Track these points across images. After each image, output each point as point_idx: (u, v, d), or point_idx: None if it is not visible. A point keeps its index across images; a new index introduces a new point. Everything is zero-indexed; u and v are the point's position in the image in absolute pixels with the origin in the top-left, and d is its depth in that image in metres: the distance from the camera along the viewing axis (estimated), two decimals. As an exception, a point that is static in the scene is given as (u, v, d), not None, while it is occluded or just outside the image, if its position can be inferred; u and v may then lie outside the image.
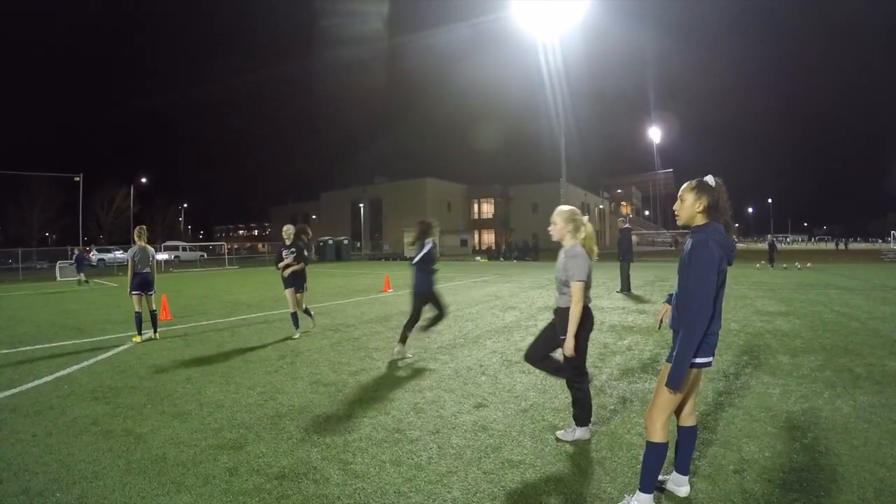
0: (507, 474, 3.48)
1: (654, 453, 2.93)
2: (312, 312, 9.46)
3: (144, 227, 8.97)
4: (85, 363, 7.03)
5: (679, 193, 3.05)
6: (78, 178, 41.61)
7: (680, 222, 3.05)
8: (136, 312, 8.62)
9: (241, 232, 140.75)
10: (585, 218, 4.14)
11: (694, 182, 3.00)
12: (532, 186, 70.34)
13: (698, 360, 2.85)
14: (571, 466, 3.61)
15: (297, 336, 8.60)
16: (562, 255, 4.04)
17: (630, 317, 10.32)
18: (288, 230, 8.91)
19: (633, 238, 17.41)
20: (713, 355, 2.93)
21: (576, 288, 3.82)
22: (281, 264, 8.75)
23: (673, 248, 61.74)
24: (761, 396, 5.05)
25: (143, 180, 65.84)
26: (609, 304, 12.15)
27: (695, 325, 2.79)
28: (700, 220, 2.95)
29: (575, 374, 4.02)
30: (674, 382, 2.80)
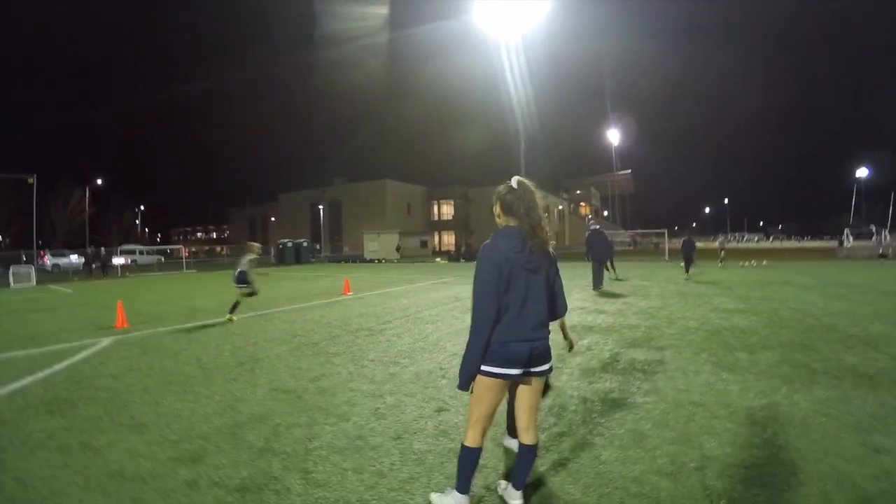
0: (470, 479, 3.44)
1: (464, 456, 2.90)
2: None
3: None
4: (39, 374, 6.79)
5: None
6: (31, 180, 40.24)
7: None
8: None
9: (199, 234, 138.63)
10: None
11: (498, 188, 2.99)
12: (492, 188, 69.21)
13: (488, 369, 2.77)
14: (534, 468, 3.59)
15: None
16: None
17: (590, 316, 10.38)
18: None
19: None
20: (515, 368, 2.78)
21: None
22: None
23: (631, 247, 62.56)
24: (720, 393, 5.12)
25: (99, 182, 64.36)
26: (569, 305, 12.20)
27: (474, 327, 2.77)
28: (505, 223, 2.93)
29: None
30: (459, 382, 2.83)
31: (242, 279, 11.45)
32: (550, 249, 2.95)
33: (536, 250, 2.82)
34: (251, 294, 11.60)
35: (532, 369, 2.84)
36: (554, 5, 24.64)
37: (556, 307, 3.02)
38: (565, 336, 3.64)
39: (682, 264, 20.51)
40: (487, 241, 2.87)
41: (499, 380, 2.78)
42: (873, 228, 46.26)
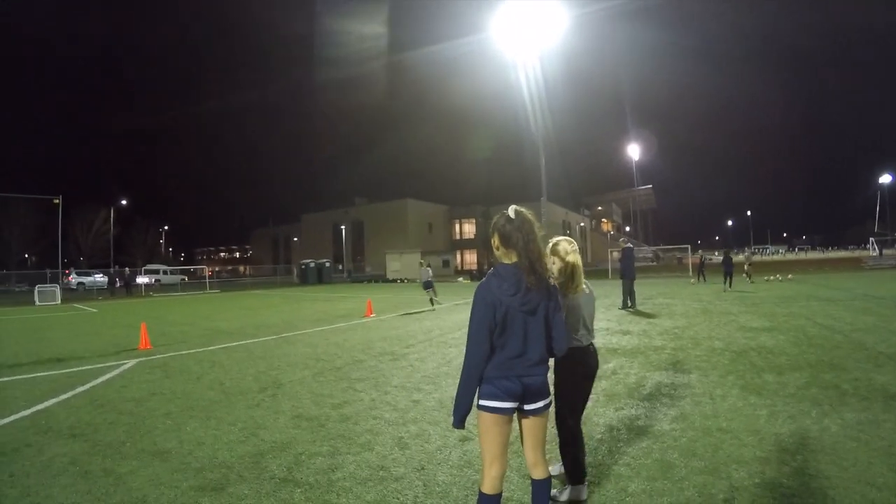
0: (495, 512, 3.39)
1: (481, 502, 2.79)
2: None
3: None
4: (63, 396, 6.88)
5: None
6: (57, 201, 41.03)
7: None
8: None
9: (222, 254, 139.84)
10: (571, 247, 3.72)
11: (495, 218, 2.92)
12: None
13: (484, 403, 2.73)
14: (560, 500, 3.53)
15: None
16: None
17: (614, 338, 10.26)
18: None
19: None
20: (509, 401, 2.72)
21: None
22: None
23: (654, 263, 62.06)
24: (749, 419, 5.02)
25: (123, 202, 65.32)
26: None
27: (465, 366, 2.73)
28: (505, 258, 2.85)
29: (559, 421, 3.70)
30: (454, 420, 2.77)
31: (429, 285, 19.03)
32: (550, 283, 2.88)
33: (534, 288, 2.75)
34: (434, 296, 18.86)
35: (527, 406, 2.80)
36: (572, 23, 24.70)
37: (554, 344, 2.92)
38: None
39: (725, 278, 23.06)
40: (484, 279, 2.83)
41: (496, 414, 2.73)
42: None
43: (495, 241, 2.88)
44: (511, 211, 2.86)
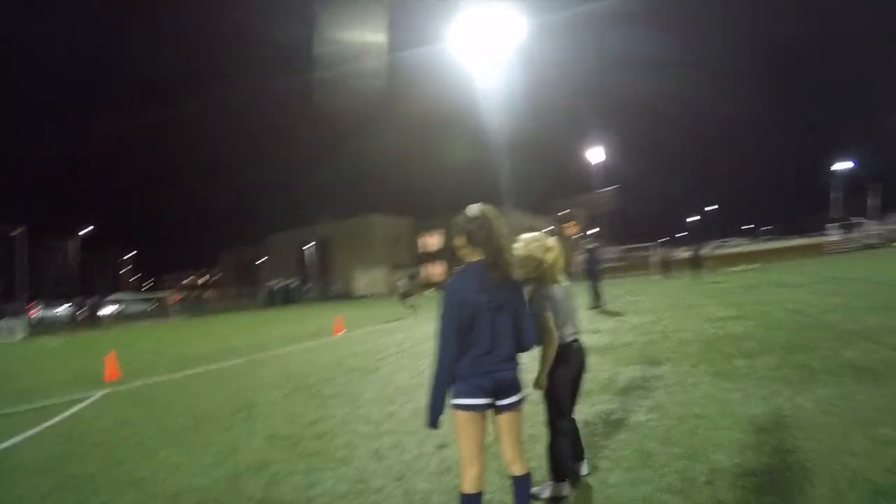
0: (477, 514, 3.35)
1: (463, 503, 2.77)
2: None
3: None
4: (30, 432, 6.67)
5: None
6: (17, 232, 39.60)
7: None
8: None
9: (188, 279, 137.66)
10: (549, 241, 3.69)
11: (457, 217, 2.92)
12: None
13: (456, 401, 2.74)
14: (539, 500, 3.51)
15: None
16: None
17: (584, 337, 10.09)
18: None
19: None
20: (480, 398, 2.72)
21: (543, 320, 3.41)
22: None
23: (622, 262, 62.74)
24: (723, 403, 5.05)
25: (88, 230, 63.64)
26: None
27: (436, 366, 2.74)
28: (471, 256, 2.86)
29: (549, 417, 3.62)
30: (427, 420, 2.79)
31: (406, 295, 23.66)
32: (515, 277, 2.87)
33: (500, 282, 2.75)
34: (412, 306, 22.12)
35: (500, 401, 2.78)
36: (531, 30, 24.95)
37: (523, 339, 2.89)
38: (539, 374, 3.46)
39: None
40: (450, 278, 2.82)
41: (470, 412, 2.72)
42: (863, 220, 46.77)
43: (460, 240, 2.88)
44: (473, 208, 2.88)
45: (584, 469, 3.76)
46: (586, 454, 3.86)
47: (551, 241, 3.66)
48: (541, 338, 3.29)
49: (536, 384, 3.46)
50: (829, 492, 3.10)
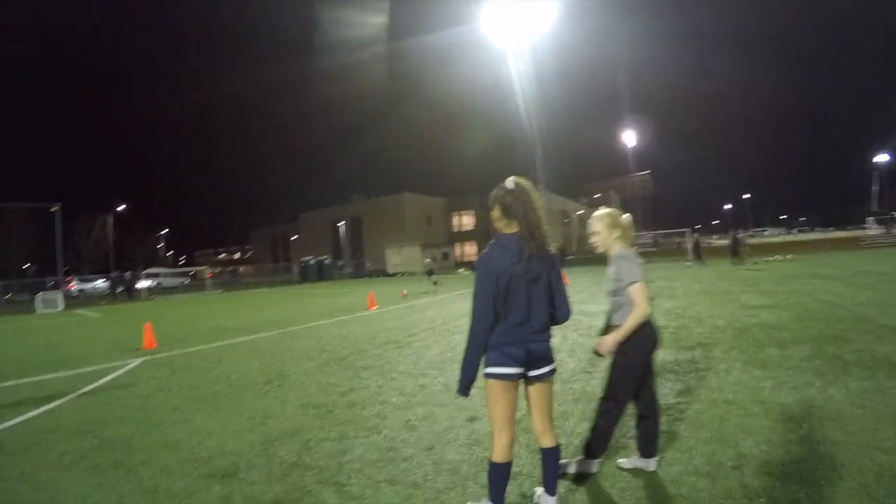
0: (505, 486, 3.41)
1: (493, 472, 2.83)
2: None
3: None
4: (70, 396, 6.90)
5: None
6: (55, 209, 40.76)
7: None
8: None
9: (222, 256, 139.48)
10: (625, 216, 3.72)
11: (494, 191, 2.93)
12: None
13: (489, 370, 2.77)
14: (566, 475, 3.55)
15: None
16: (611, 264, 3.61)
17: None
18: None
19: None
20: (513, 367, 2.74)
21: (635, 290, 3.40)
22: None
23: (655, 248, 62.04)
24: (754, 390, 5.04)
25: (122, 207, 64.89)
26: (597, 309, 12.05)
27: (470, 336, 2.77)
28: (506, 229, 2.88)
29: (611, 394, 3.53)
30: (459, 387, 2.81)
31: (431, 273, 25.73)
32: (551, 250, 2.91)
33: (535, 255, 2.79)
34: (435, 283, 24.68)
35: (532, 372, 2.83)
36: (562, 11, 24.64)
37: (557, 313, 2.94)
38: (607, 339, 3.39)
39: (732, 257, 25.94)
40: (486, 249, 2.85)
41: (503, 381, 2.77)
42: None
43: (496, 212, 2.91)
44: (510, 182, 2.90)
45: (653, 465, 3.56)
46: (616, 433, 3.67)
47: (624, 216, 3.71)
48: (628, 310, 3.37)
49: (601, 349, 3.42)
50: (855, 485, 3.09)
